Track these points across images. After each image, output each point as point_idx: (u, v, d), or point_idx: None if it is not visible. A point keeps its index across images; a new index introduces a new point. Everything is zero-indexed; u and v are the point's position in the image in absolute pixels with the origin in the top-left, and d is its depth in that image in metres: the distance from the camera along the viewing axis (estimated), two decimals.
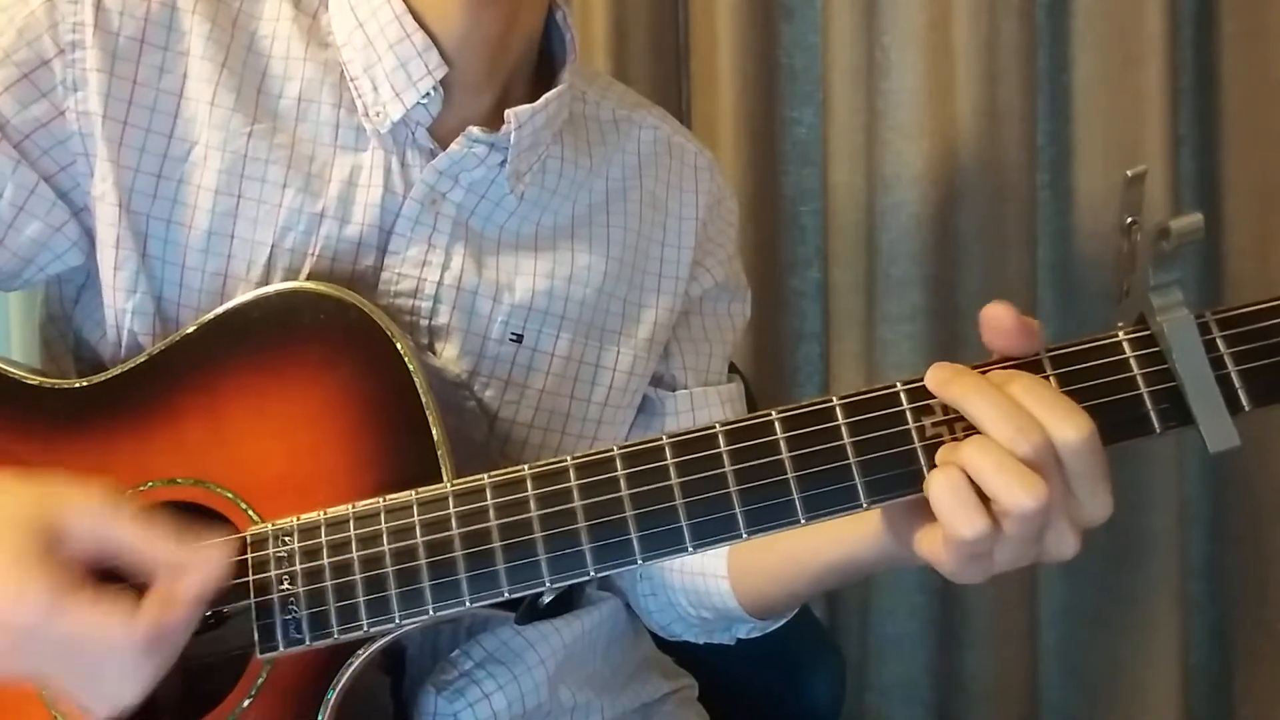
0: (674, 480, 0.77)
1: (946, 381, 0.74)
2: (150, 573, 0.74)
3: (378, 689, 0.92)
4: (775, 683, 1.29)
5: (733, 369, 1.21)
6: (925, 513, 0.75)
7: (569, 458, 0.79)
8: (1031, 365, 0.75)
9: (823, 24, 1.72)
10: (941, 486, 0.71)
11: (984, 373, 0.75)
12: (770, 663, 1.27)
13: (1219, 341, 0.73)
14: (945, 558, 0.74)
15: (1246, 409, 0.72)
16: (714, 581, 1.03)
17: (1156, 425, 0.73)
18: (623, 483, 0.77)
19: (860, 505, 0.75)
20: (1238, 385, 0.72)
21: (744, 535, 0.76)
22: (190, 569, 0.74)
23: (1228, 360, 0.73)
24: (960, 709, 1.73)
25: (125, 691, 0.72)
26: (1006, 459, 0.70)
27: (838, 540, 0.88)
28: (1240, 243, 1.68)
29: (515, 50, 0.98)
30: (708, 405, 1.11)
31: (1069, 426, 0.70)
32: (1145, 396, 0.73)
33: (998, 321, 0.74)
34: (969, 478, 0.71)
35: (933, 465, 0.74)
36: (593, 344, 1.04)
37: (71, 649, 0.70)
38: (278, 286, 0.91)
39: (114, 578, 0.75)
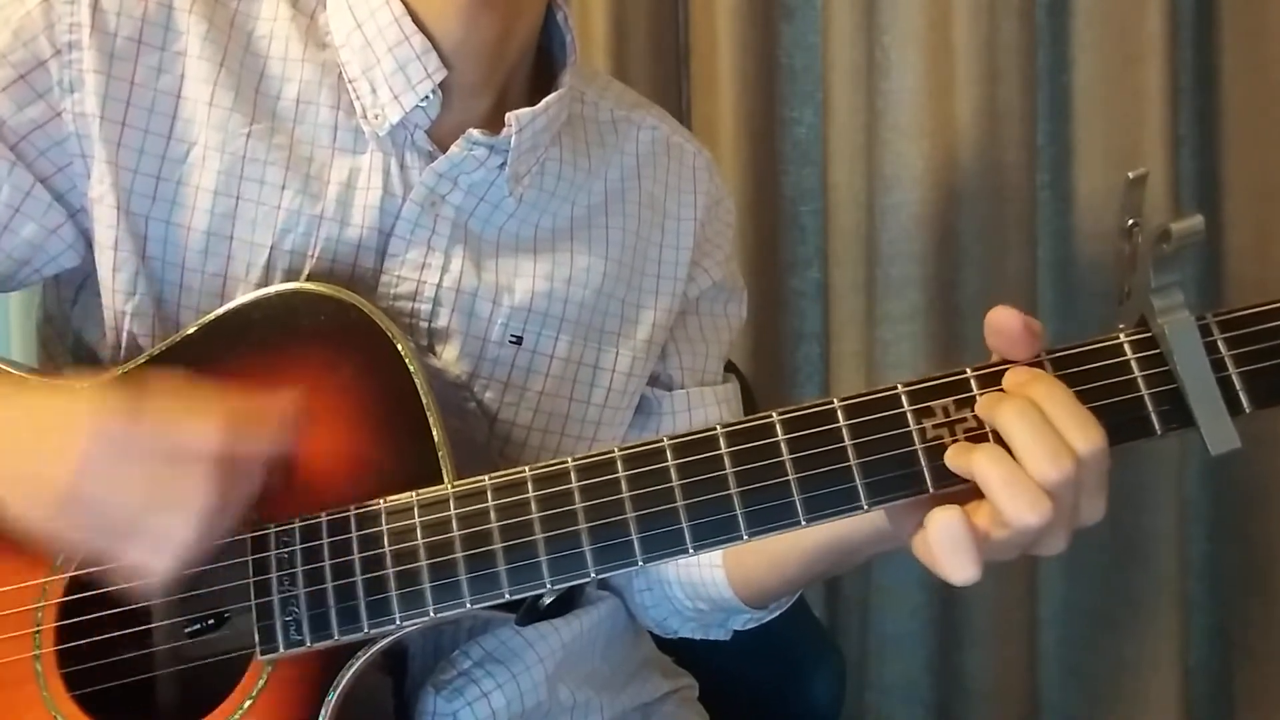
0: (675, 482, 0.77)
1: (960, 456, 0.74)
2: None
3: (378, 690, 0.92)
4: (775, 682, 1.30)
5: (732, 369, 1.21)
6: (925, 510, 0.75)
7: (570, 459, 0.79)
8: (1033, 368, 0.75)
9: (823, 24, 1.72)
10: (940, 530, 0.71)
11: (996, 371, 0.75)
12: (770, 662, 1.27)
13: (1220, 343, 0.73)
14: (934, 565, 0.74)
15: (1247, 411, 0.72)
16: (709, 571, 1.03)
17: (1158, 427, 0.73)
18: (624, 484, 0.78)
19: (861, 507, 0.75)
20: (1239, 387, 0.72)
21: (745, 537, 0.76)
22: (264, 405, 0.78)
23: (1229, 362, 0.73)
24: (960, 709, 1.73)
25: (193, 511, 0.74)
26: (1017, 474, 0.70)
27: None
28: (1240, 243, 1.68)
29: (514, 53, 0.98)
30: (704, 405, 1.11)
31: (1084, 440, 0.70)
32: (1146, 398, 0.73)
33: (1004, 326, 0.74)
34: (969, 524, 0.71)
35: (934, 466, 0.74)
36: (591, 345, 1.04)
37: (156, 449, 0.74)
38: (278, 287, 0.90)
39: None
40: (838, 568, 0.97)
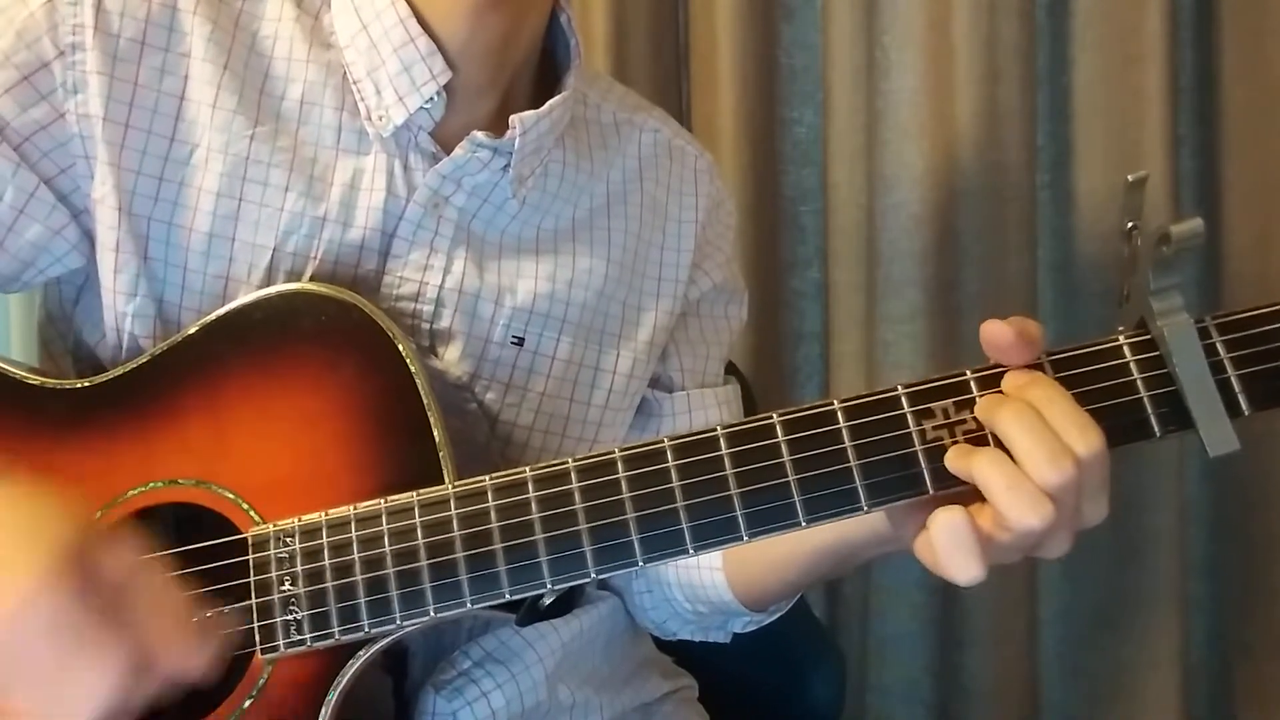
0: (675, 483, 0.77)
1: (961, 458, 0.74)
2: (152, 614, 0.72)
3: (378, 689, 0.92)
4: (775, 683, 1.30)
5: (732, 370, 1.21)
6: (925, 511, 0.75)
7: (570, 460, 0.79)
8: (1032, 370, 0.75)
9: (823, 24, 1.72)
10: (944, 531, 0.72)
11: (996, 373, 0.75)
12: (770, 663, 1.27)
13: (1219, 346, 0.73)
14: (935, 566, 0.74)
15: (1246, 413, 0.73)
16: (709, 573, 1.03)
17: (1156, 429, 0.74)
18: (624, 485, 0.78)
19: (861, 508, 0.75)
20: (1237, 389, 0.73)
21: (745, 538, 0.76)
22: (180, 650, 0.72)
23: (1227, 365, 0.73)
24: (960, 709, 1.73)
25: (88, 704, 0.69)
26: (1018, 478, 0.71)
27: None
28: (1240, 243, 1.68)
29: (519, 55, 0.98)
30: (705, 407, 1.11)
31: (1084, 443, 0.71)
32: (1145, 400, 0.74)
33: (997, 340, 0.75)
34: (973, 523, 0.71)
35: (934, 468, 0.75)
36: (592, 347, 1.04)
37: (56, 633, 0.68)
38: (280, 288, 0.90)
39: None
40: (838, 570, 0.98)
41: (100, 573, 0.71)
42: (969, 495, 0.74)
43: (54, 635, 0.68)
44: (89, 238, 0.94)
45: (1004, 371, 0.75)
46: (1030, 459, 0.71)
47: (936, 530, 0.72)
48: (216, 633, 0.74)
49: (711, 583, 1.03)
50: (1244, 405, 0.73)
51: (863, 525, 0.84)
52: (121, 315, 0.93)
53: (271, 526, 0.83)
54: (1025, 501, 0.70)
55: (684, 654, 1.20)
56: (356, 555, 0.81)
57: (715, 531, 0.76)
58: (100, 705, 0.69)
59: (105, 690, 0.69)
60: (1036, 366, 0.75)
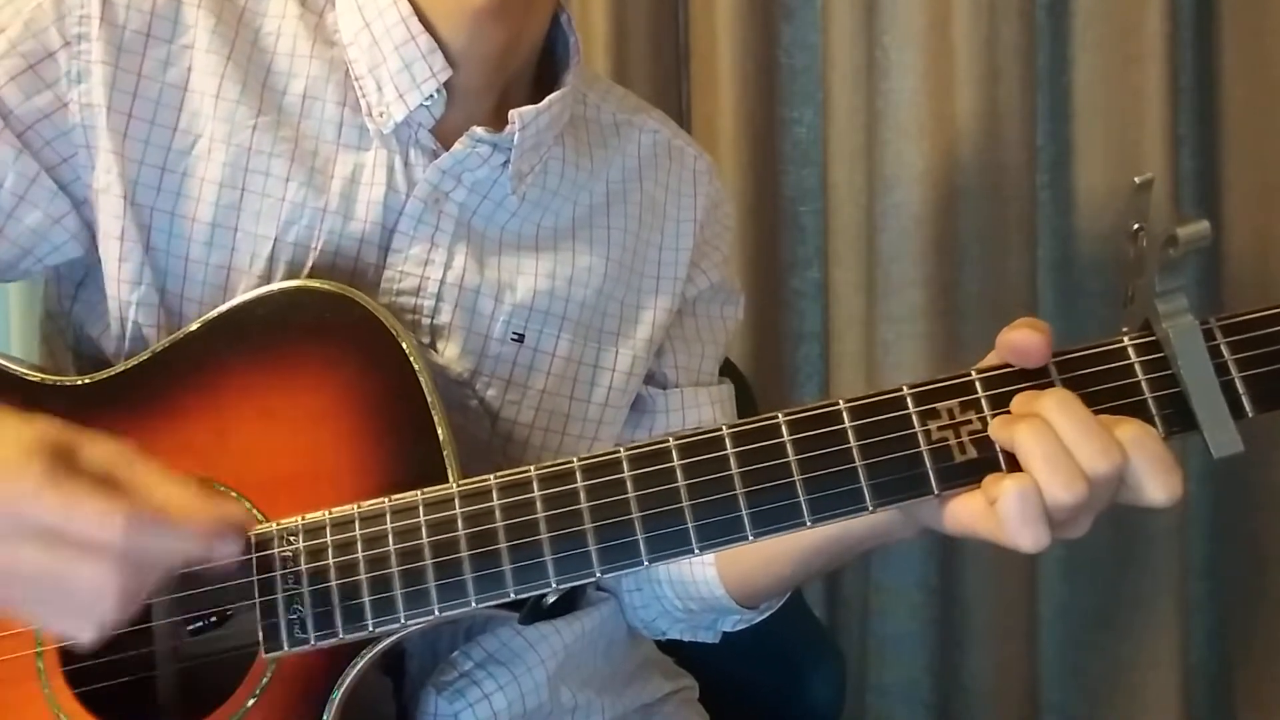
0: (680, 482, 0.77)
1: (1004, 427, 0.74)
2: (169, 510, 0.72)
3: (380, 690, 0.92)
4: (775, 683, 1.30)
5: (731, 371, 1.21)
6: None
7: (575, 459, 0.79)
8: (1038, 371, 0.75)
9: (823, 24, 1.72)
10: (1014, 498, 0.71)
11: (1002, 374, 0.75)
12: (770, 663, 1.28)
13: (1223, 348, 0.73)
14: (984, 530, 0.74)
15: (1250, 414, 0.73)
16: (701, 569, 1.03)
17: (1161, 430, 0.74)
18: (629, 484, 0.78)
19: (866, 508, 0.75)
20: (1241, 391, 0.73)
21: (750, 537, 0.76)
22: (208, 508, 0.73)
23: (1231, 366, 0.73)
24: (960, 709, 1.73)
25: (98, 600, 0.70)
26: (1058, 450, 0.71)
27: None
28: (1240, 243, 1.68)
29: (520, 55, 0.98)
30: (698, 405, 1.11)
31: (1104, 462, 0.71)
32: (1150, 402, 0.74)
33: (1027, 346, 0.75)
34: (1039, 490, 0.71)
35: (939, 468, 0.75)
36: (592, 345, 1.04)
37: (53, 531, 0.69)
38: (282, 284, 0.91)
39: None
40: (832, 565, 0.97)
41: (85, 454, 0.71)
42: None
43: (45, 497, 0.68)
44: (88, 228, 0.94)
45: (1009, 371, 0.75)
46: (1078, 447, 0.71)
47: (1008, 499, 0.71)
48: (217, 498, 0.74)
49: (704, 578, 1.03)
50: (1248, 407, 0.73)
51: (863, 519, 0.84)
52: (125, 304, 0.93)
53: (275, 525, 0.82)
54: (1061, 476, 0.70)
55: (685, 655, 1.20)
56: (360, 554, 0.81)
57: (720, 531, 0.76)
58: (115, 562, 0.69)
59: (116, 543, 0.69)
60: (1042, 369, 0.75)
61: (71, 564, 0.69)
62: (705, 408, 1.11)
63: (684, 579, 1.05)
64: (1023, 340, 0.75)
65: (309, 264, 0.94)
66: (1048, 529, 0.71)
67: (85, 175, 0.92)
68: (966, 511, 0.75)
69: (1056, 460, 0.71)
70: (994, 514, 0.72)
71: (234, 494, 0.85)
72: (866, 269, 1.71)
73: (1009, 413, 0.75)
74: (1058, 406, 0.72)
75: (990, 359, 0.77)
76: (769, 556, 0.98)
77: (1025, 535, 0.71)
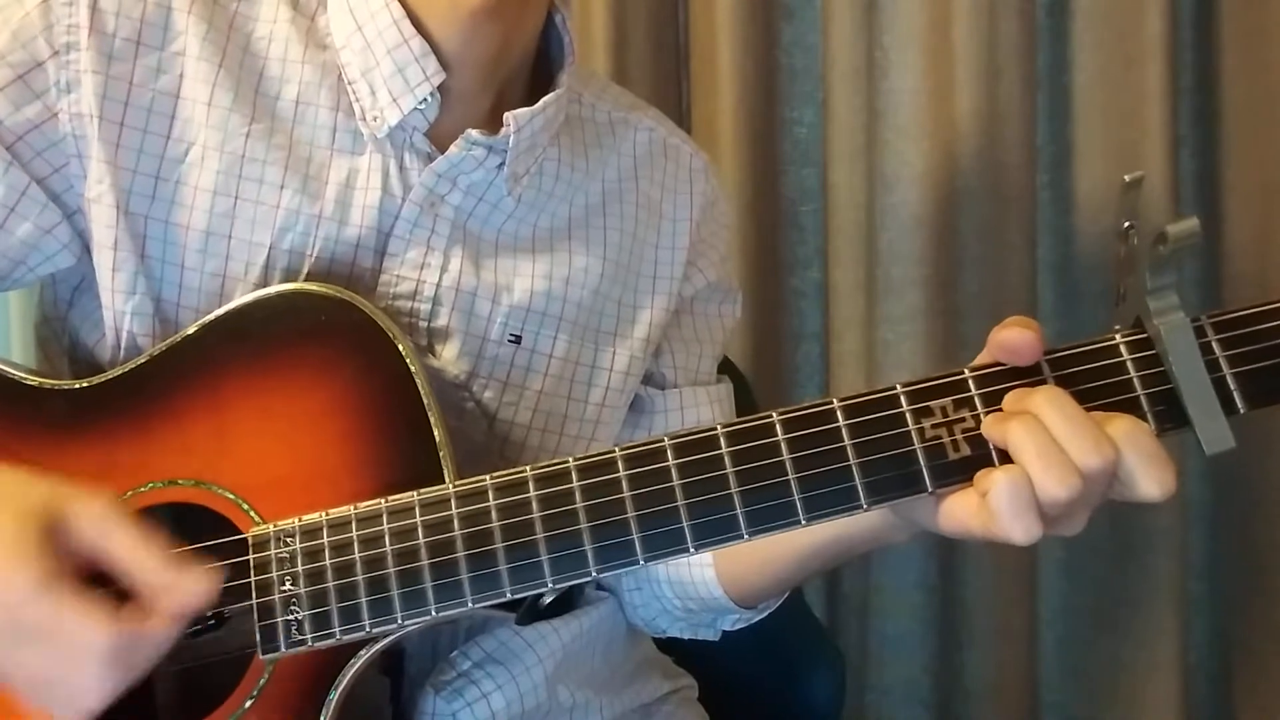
0: (676, 481, 0.77)
1: (996, 425, 0.74)
2: (137, 584, 0.75)
3: (378, 690, 0.92)
4: (775, 683, 1.30)
5: (730, 370, 1.21)
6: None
7: (571, 459, 0.79)
8: (1030, 369, 0.75)
9: (823, 24, 1.72)
10: (1005, 490, 0.71)
11: (994, 372, 0.75)
12: (770, 663, 1.28)
13: (1214, 344, 0.73)
14: (978, 527, 0.74)
15: (1241, 411, 0.73)
16: (699, 570, 1.04)
17: (1154, 427, 0.74)
18: (625, 484, 0.78)
19: (861, 506, 0.75)
20: (1233, 387, 0.73)
21: (745, 536, 0.76)
22: (175, 589, 0.75)
23: (1223, 363, 0.73)
24: (960, 709, 1.74)
25: (86, 697, 0.73)
26: (1050, 446, 0.71)
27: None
28: (1240, 243, 1.68)
29: (515, 57, 0.98)
30: (696, 404, 1.11)
31: (1096, 457, 0.71)
32: (1142, 399, 0.74)
33: (1018, 344, 0.75)
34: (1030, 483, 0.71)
35: (933, 466, 0.75)
36: (589, 345, 1.04)
37: (44, 638, 0.71)
38: (279, 287, 0.90)
39: (104, 582, 0.75)
40: (829, 566, 0.98)
41: (75, 539, 0.74)
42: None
43: (35, 612, 0.71)
44: (81, 238, 0.94)
45: (1001, 370, 0.75)
46: (1070, 442, 0.71)
47: (999, 493, 0.71)
48: (201, 567, 0.75)
49: (701, 579, 1.04)
50: (1239, 403, 0.73)
51: (859, 522, 0.84)
52: (120, 314, 0.93)
53: (272, 526, 0.83)
54: (1055, 471, 0.70)
55: (684, 654, 1.20)
56: (357, 555, 0.81)
57: (716, 530, 0.77)
58: (103, 667, 0.72)
59: (102, 665, 0.72)
60: (1034, 366, 0.75)
61: (64, 668, 0.72)
62: (704, 407, 1.12)
63: (682, 579, 1.05)
64: (1013, 338, 0.75)
65: (305, 270, 0.94)
66: (1039, 520, 0.71)
67: (77, 185, 0.92)
68: (960, 509, 0.75)
69: (1049, 455, 0.71)
70: (986, 508, 0.72)
71: (231, 495, 0.85)
72: (866, 269, 1.72)
73: (1002, 410, 0.75)
74: (1049, 403, 0.72)
75: (982, 358, 0.77)
76: (766, 558, 0.98)
77: (1017, 527, 0.71)
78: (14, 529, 0.72)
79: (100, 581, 0.75)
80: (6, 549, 0.72)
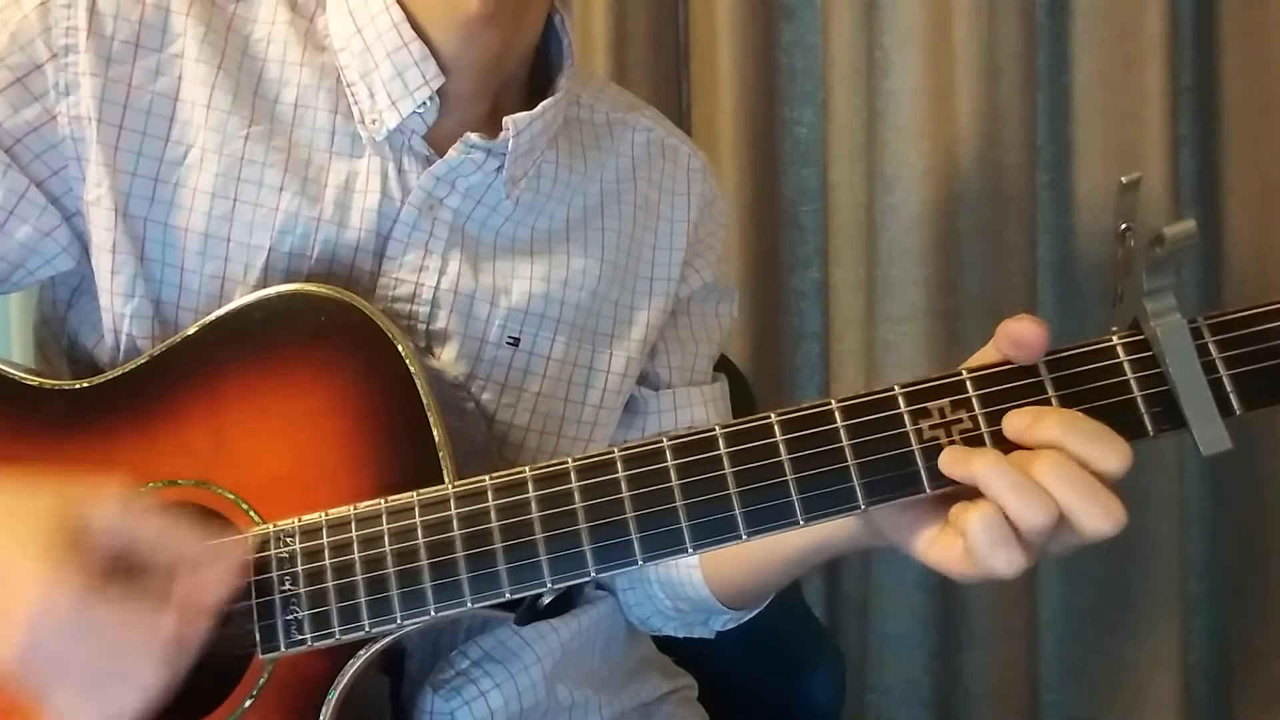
0: (674, 482, 0.77)
1: (961, 461, 0.74)
2: (170, 567, 0.75)
3: (377, 689, 0.92)
4: (775, 683, 1.30)
5: (730, 369, 1.21)
6: (924, 514, 0.76)
7: (570, 460, 0.79)
8: (1027, 370, 0.75)
9: (823, 24, 1.72)
10: (980, 527, 0.71)
11: (992, 373, 0.75)
12: (770, 663, 1.28)
13: (1211, 346, 0.73)
14: (958, 568, 0.74)
15: (1238, 412, 0.73)
16: (686, 571, 1.04)
17: (1150, 429, 0.74)
18: (623, 484, 0.78)
19: (858, 507, 0.76)
20: (1229, 389, 0.73)
21: (744, 536, 0.76)
22: (211, 565, 0.76)
23: (1219, 364, 0.73)
24: (960, 709, 1.74)
25: (143, 691, 0.73)
26: (1020, 478, 0.71)
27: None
28: (1240, 243, 1.68)
29: (514, 60, 0.98)
30: (692, 405, 1.11)
31: (1116, 458, 0.71)
32: (1139, 400, 0.74)
33: (1027, 338, 0.74)
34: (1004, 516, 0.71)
35: (930, 467, 0.75)
36: (586, 347, 1.04)
37: (97, 642, 0.72)
38: (279, 288, 0.90)
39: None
40: (811, 567, 0.98)
41: (100, 537, 0.74)
42: (966, 491, 0.74)
43: (87, 620, 0.71)
44: (80, 240, 0.94)
45: (999, 370, 0.75)
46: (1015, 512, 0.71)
47: (975, 531, 0.71)
48: (228, 548, 0.78)
49: (689, 579, 1.04)
50: (1236, 404, 0.73)
51: (843, 528, 0.85)
52: (119, 316, 0.93)
53: (271, 527, 0.83)
54: (1031, 499, 0.70)
55: (684, 653, 1.20)
56: (357, 555, 0.81)
57: (714, 530, 0.77)
58: (161, 670, 0.73)
59: (161, 656, 0.72)
60: (1031, 367, 0.75)
61: (119, 667, 0.72)
62: (699, 407, 1.12)
63: (671, 579, 1.06)
64: (1023, 331, 0.74)
65: (304, 273, 0.94)
66: (1020, 551, 0.71)
67: (76, 188, 0.92)
68: (946, 555, 0.75)
69: (1023, 489, 0.71)
70: (968, 550, 0.72)
71: (231, 495, 0.85)
72: (866, 269, 1.72)
73: (995, 411, 0.75)
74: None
75: (986, 350, 0.77)
76: (751, 563, 0.98)
77: (999, 560, 0.71)
78: (42, 541, 0.72)
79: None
80: (41, 563, 0.71)
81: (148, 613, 0.72)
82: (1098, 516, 0.71)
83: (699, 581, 1.03)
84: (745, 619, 1.07)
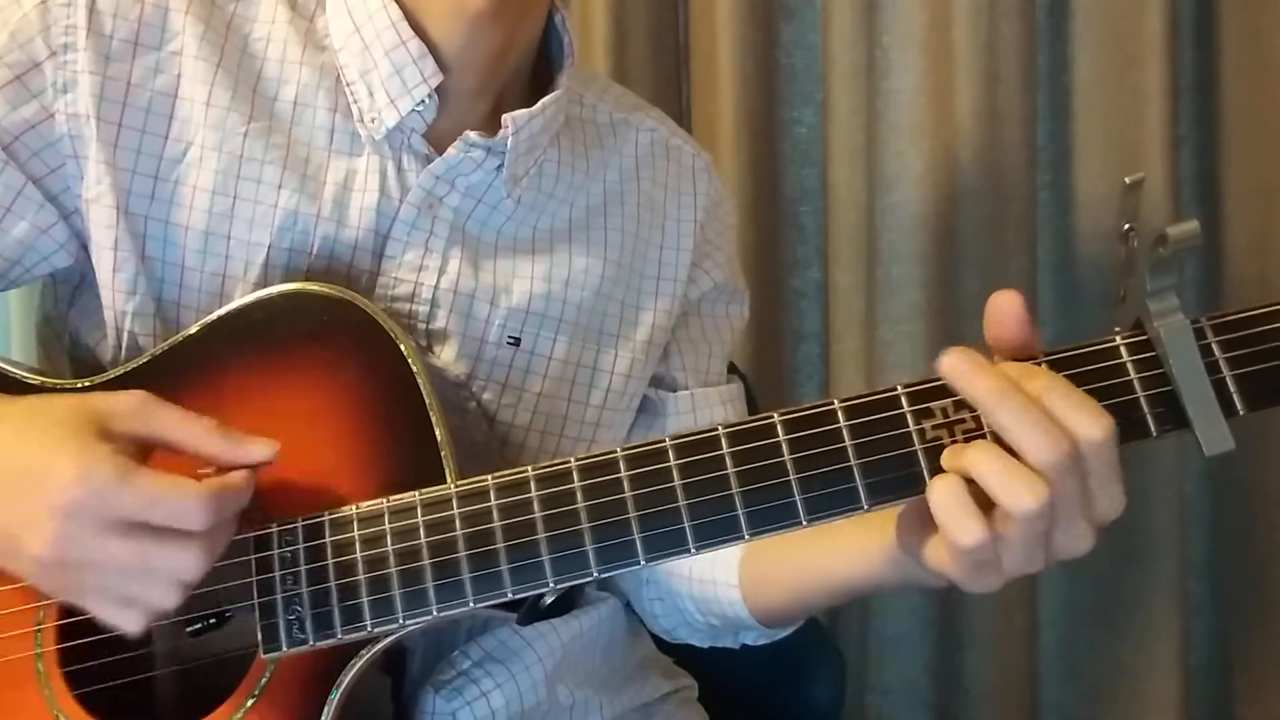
0: (677, 482, 0.77)
1: (967, 374, 0.72)
2: (201, 451, 0.79)
3: (378, 689, 0.92)
4: (775, 683, 1.30)
5: (733, 369, 1.21)
6: (933, 525, 0.76)
7: (572, 459, 0.79)
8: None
9: (823, 24, 1.72)
10: (940, 493, 0.72)
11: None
12: (770, 663, 1.27)
13: (1214, 346, 0.74)
14: (952, 568, 0.74)
15: (1241, 413, 0.73)
16: (725, 590, 1.03)
17: (1153, 429, 0.74)
18: (626, 484, 0.78)
19: (861, 507, 0.76)
20: (1232, 389, 0.73)
21: (746, 536, 0.76)
22: (240, 444, 0.79)
23: (1223, 365, 0.73)
24: (960, 709, 1.73)
25: (188, 570, 0.75)
26: (1008, 461, 0.70)
27: (860, 559, 0.88)
28: (1240, 243, 1.68)
29: (514, 58, 0.98)
30: (709, 406, 1.11)
31: (1096, 427, 0.70)
32: (1142, 400, 0.74)
33: (1005, 308, 0.74)
34: (969, 483, 0.71)
35: (933, 467, 0.75)
36: (589, 347, 1.04)
37: (139, 521, 0.74)
38: (281, 287, 0.90)
39: None
40: (855, 598, 0.97)
41: (121, 430, 0.77)
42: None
43: (123, 495, 0.73)
44: (78, 238, 0.94)
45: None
46: (1024, 441, 0.70)
47: (936, 498, 0.72)
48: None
49: (728, 599, 1.03)
50: (1239, 405, 0.73)
51: (890, 564, 0.85)
52: (121, 314, 0.93)
53: (274, 526, 0.83)
54: (1017, 481, 0.70)
55: (684, 654, 1.20)
56: (359, 554, 0.81)
57: (717, 530, 0.77)
58: (203, 537, 0.76)
59: (205, 515, 0.75)
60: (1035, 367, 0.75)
61: (163, 546, 0.75)
62: (716, 408, 1.11)
63: (706, 597, 1.05)
64: (1000, 300, 0.74)
65: (304, 271, 0.94)
66: (981, 523, 0.71)
67: (74, 185, 0.92)
68: (938, 555, 0.76)
69: (1008, 470, 0.70)
70: (939, 527, 0.72)
71: None
72: (866, 269, 1.72)
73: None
74: (1005, 405, 0.71)
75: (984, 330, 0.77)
76: (799, 595, 0.98)
77: (962, 529, 0.71)
78: (72, 435, 0.74)
79: None
80: (75, 454, 0.73)
81: (187, 484, 0.75)
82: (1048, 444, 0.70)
83: (737, 601, 1.01)
84: (778, 636, 1.07)
